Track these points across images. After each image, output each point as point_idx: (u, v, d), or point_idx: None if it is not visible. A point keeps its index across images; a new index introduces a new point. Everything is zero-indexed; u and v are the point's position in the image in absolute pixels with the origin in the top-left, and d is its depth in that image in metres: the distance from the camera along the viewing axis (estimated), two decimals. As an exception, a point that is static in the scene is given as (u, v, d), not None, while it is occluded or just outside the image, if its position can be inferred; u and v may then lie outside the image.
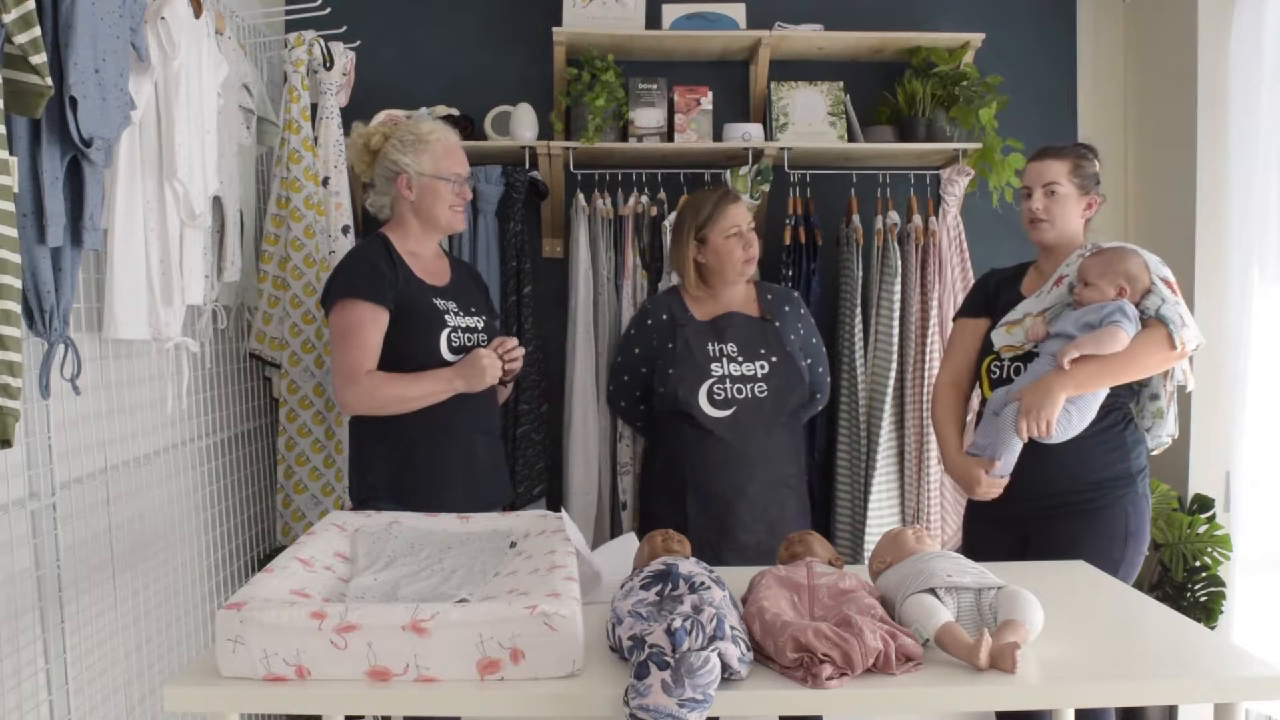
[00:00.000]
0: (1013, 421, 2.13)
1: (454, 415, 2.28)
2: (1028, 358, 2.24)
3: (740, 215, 2.54)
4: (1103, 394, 2.16)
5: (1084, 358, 2.09)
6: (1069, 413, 2.12)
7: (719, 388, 2.49)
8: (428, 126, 2.37)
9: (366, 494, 2.30)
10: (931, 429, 3.13)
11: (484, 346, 2.32)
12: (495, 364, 2.25)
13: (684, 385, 2.50)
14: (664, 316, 2.61)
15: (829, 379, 2.75)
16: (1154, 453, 2.33)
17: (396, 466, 2.28)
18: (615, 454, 3.18)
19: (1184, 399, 2.67)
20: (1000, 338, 2.29)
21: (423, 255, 2.39)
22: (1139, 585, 2.18)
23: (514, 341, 2.33)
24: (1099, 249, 2.25)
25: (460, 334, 2.32)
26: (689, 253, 2.57)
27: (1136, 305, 2.15)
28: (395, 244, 2.34)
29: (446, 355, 2.28)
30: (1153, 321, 2.14)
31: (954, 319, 2.52)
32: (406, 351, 2.26)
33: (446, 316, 2.31)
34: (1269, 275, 2.86)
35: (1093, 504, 2.21)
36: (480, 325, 2.39)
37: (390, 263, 2.28)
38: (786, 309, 2.61)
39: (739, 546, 2.44)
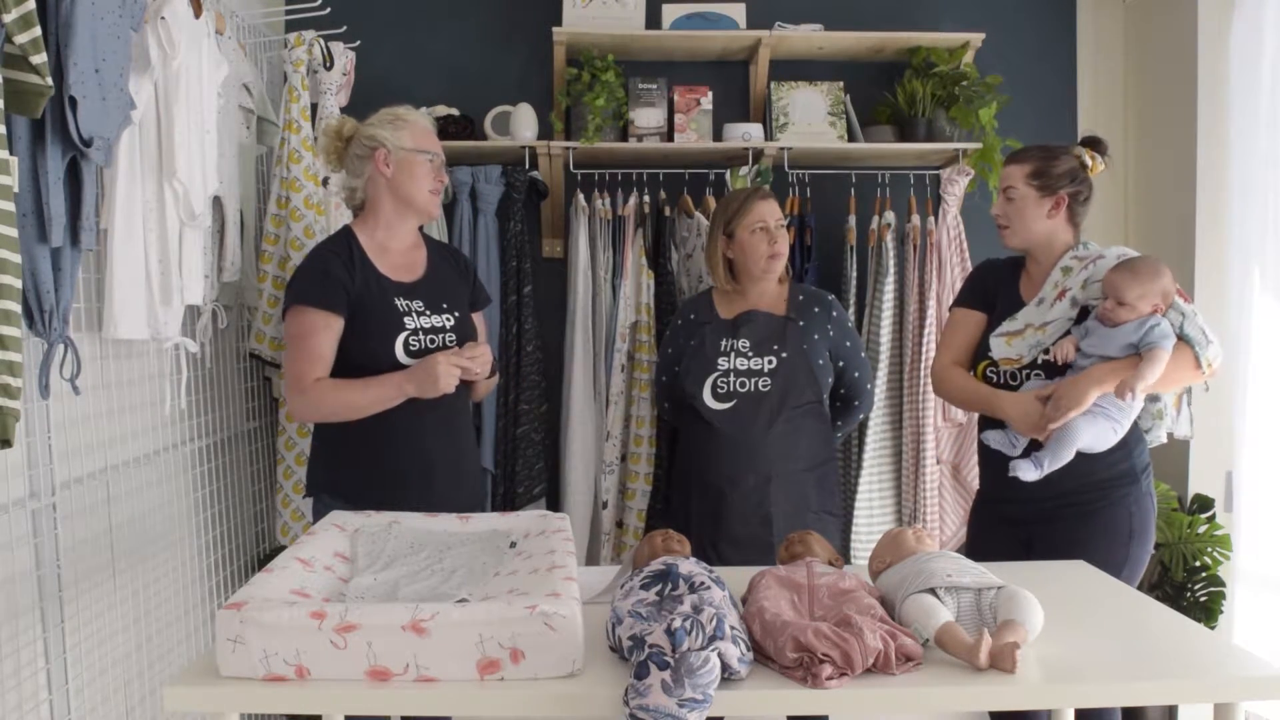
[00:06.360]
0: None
1: (405, 418, 2.18)
2: (1029, 368, 2.23)
3: (768, 211, 2.54)
4: (1104, 423, 2.14)
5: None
6: (1072, 430, 2.11)
7: (722, 381, 2.51)
8: (404, 109, 2.33)
9: (313, 488, 2.29)
10: (928, 429, 3.13)
11: (448, 349, 2.22)
12: (451, 371, 2.13)
13: (690, 379, 2.54)
14: (691, 316, 2.64)
15: (870, 387, 2.69)
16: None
17: (346, 468, 2.23)
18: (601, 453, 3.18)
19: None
20: (1000, 349, 2.25)
21: (393, 248, 2.29)
22: (1138, 585, 2.17)
23: (477, 349, 2.22)
24: (1101, 255, 2.21)
25: (420, 336, 2.22)
26: (718, 247, 2.59)
27: None
28: (362, 238, 2.26)
29: (403, 359, 2.19)
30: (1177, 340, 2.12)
31: (951, 308, 2.50)
32: (361, 355, 2.18)
33: (406, 319, 2.21)
34: (1269, 275, 2.86)
35: (1097, 503, 2.20)
36: (449, 324, 2.27)
37: (349, 262, 2.21)
38: (816, 310, 2.58)
39: (733, 538, 2.45)
